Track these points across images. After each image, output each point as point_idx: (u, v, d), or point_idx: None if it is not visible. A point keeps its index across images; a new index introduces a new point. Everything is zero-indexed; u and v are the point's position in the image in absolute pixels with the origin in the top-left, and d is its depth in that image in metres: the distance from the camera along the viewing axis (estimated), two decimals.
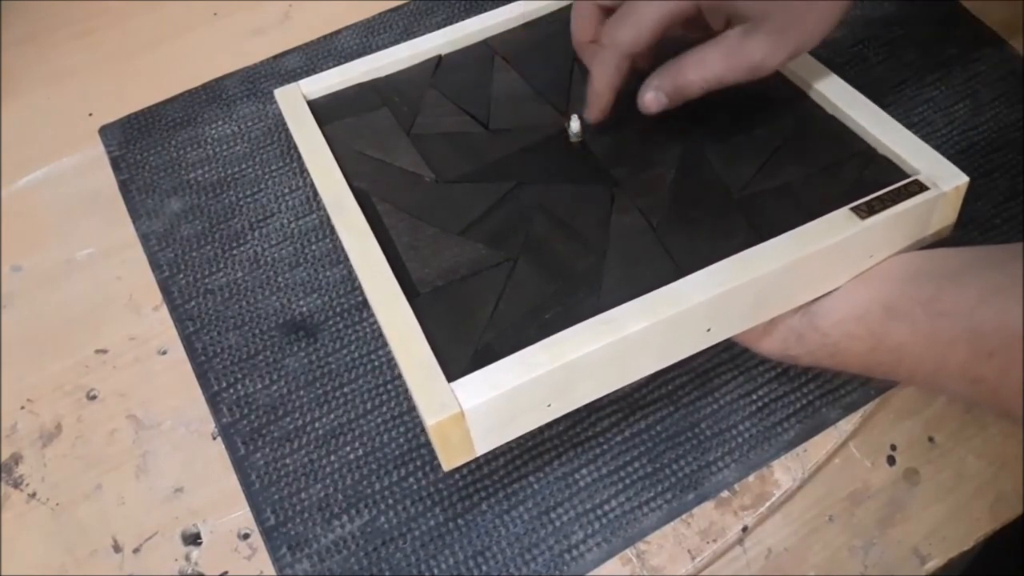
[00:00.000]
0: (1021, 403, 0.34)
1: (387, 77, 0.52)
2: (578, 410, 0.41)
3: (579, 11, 0.46)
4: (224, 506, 0.45)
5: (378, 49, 0.53)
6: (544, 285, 0.41)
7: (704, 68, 0.42)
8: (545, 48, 0.52)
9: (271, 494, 0.44)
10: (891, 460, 0.45)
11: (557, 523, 0.43)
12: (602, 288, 0.40)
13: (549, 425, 0.44)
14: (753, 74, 0.41)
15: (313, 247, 0.52)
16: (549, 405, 0.39)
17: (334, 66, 0.52)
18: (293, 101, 0.51)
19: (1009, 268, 0.35)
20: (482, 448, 0.39)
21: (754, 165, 0.44)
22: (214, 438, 0.46)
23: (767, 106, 0.47)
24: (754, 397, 0.46)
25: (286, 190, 0.54)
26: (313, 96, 0.51)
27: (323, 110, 0.50)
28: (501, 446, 0.40)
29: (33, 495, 0.45)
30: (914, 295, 0.37)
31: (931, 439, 0.46)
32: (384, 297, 0.41)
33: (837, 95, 0.46)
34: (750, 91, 0.47)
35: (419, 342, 0.39)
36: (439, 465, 0.39)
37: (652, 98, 0.43)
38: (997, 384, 0.34)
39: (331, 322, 0.49)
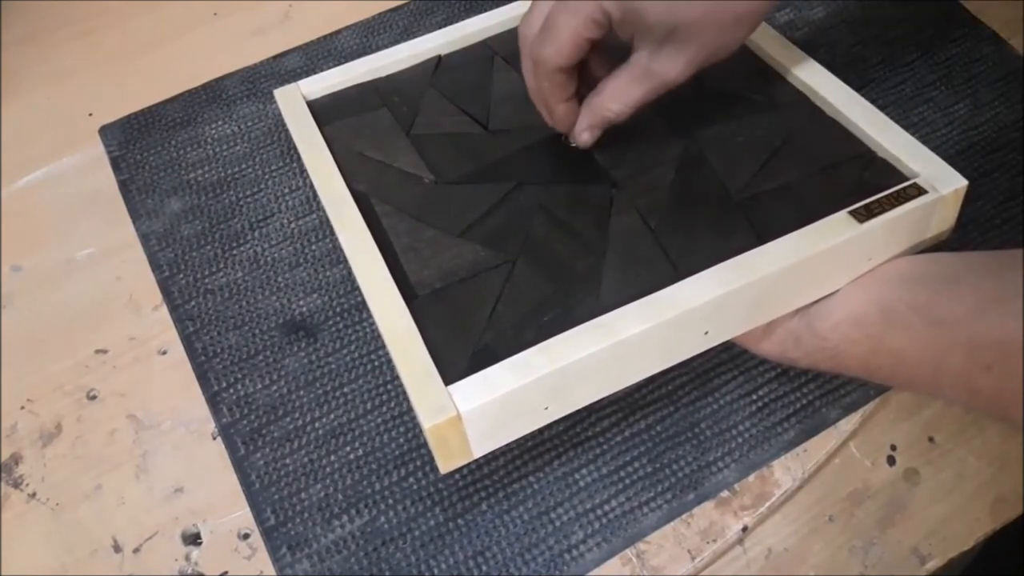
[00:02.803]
0: (1021, 413, 0.34)
1: (387, 77, 0.52)
2: (578, 410, 0.41)
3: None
4: (224, 506, 0.45)
5: (378, 49, 0.53)
6: (542, 286, 0.41)
7: (623, 96, 0.43)
8: None
9: (271, 494, 0.44)
10: (891, 460, 0.45)
11: (557, 523, 0.43)
12: (601, 290, 0.40)
13: (549, 425, 0.44)
14: (668, 88, 0.42)
15: (313, 247, 0.52)
16: (547, 408, 0.39)
17: (334, 66, 0.52)
18: (292, 101, 0.51)
19: (1008, 277, 0.35)
20: (480, 451, 0.38)
21: (754, 166, 0.44)
22: (214, 438, 0.46)
23: (767, 108, 0.47)
24: (754, 397, 0.46)
25: (286, 190, 0.54)
26: (313, 96, 0.51)
27: (323, 110, 0.50)
28: (500, 447, 0.40)
29: (33, 495, 0.45)
30: (912, 301, 0.37)
31: (931, 439, 0.46)
32: (382, 299, 0.40)
33: (837, 97, 0.46)
34: (750, 92, 0.48)
35: (417, 345, 0.38)
36: None
37: (587, 137, 0.45)
38: (995, 395, 0.34)
39: (331, 322, 0.49)
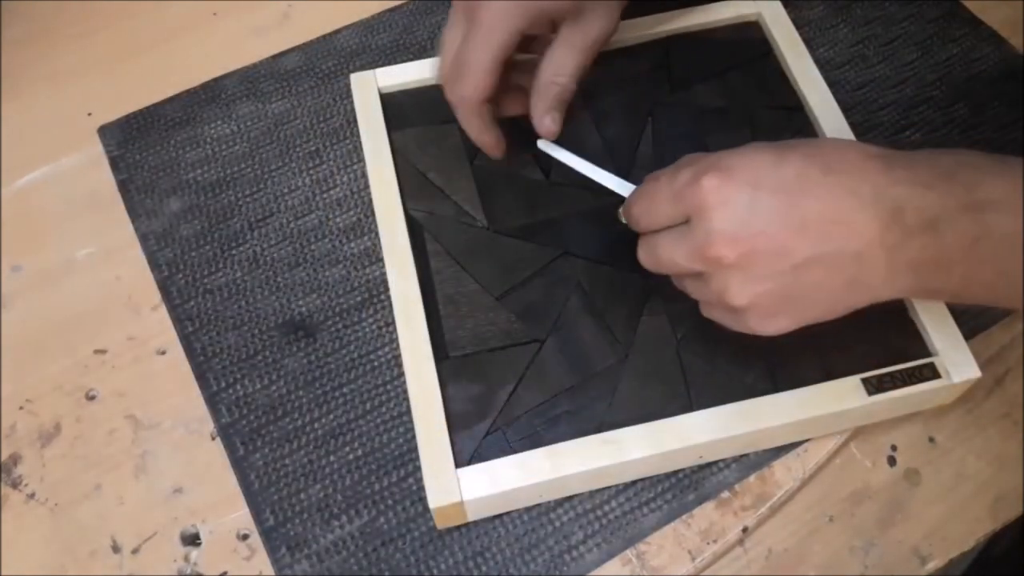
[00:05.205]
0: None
1: None
2: None
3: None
4: (223, 506, 0.45)
5: (377, 49, 0.53)
6: (563, 377, 0.43)
7: (564, 67, 0.43)
8: (628, 93, 0.52)
9: (270, 494, 0.44)
10: (891, 460, 0.45)
11: (557, 523, 0.43)
12: (614, 397, 0.42)
13: None
14: (602, 45, 0.44)
15: (313, 247, 0.52)
16: (541, 495, 0.42)
17: (334, 65, 0.52)
18: (367, 91, 0.50)
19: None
20: (475, 518, 0.42)
21: None
22: (213, 438, 0.46)
23: None
24: None
25: (285, 190, 0.54)
26: (387, 89, 0.51)
27: (395, 109, 0.51)
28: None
29: (33, 495, 0.45)
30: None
31: (931, 439, 0.46)
32: (416, 354, 0.43)
33: None
34: None
35: (438, 413, 0.41)
36: None
37: (549, 122, 0.45)
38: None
39: (331, 322, 0.49)
